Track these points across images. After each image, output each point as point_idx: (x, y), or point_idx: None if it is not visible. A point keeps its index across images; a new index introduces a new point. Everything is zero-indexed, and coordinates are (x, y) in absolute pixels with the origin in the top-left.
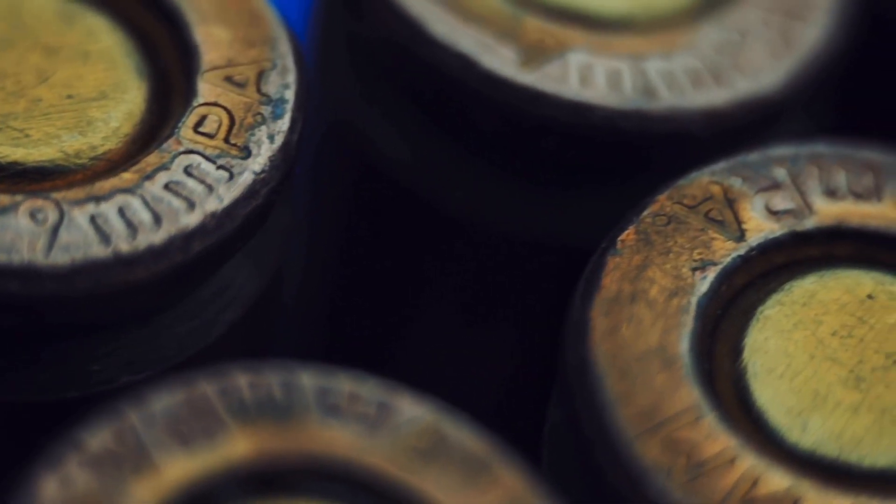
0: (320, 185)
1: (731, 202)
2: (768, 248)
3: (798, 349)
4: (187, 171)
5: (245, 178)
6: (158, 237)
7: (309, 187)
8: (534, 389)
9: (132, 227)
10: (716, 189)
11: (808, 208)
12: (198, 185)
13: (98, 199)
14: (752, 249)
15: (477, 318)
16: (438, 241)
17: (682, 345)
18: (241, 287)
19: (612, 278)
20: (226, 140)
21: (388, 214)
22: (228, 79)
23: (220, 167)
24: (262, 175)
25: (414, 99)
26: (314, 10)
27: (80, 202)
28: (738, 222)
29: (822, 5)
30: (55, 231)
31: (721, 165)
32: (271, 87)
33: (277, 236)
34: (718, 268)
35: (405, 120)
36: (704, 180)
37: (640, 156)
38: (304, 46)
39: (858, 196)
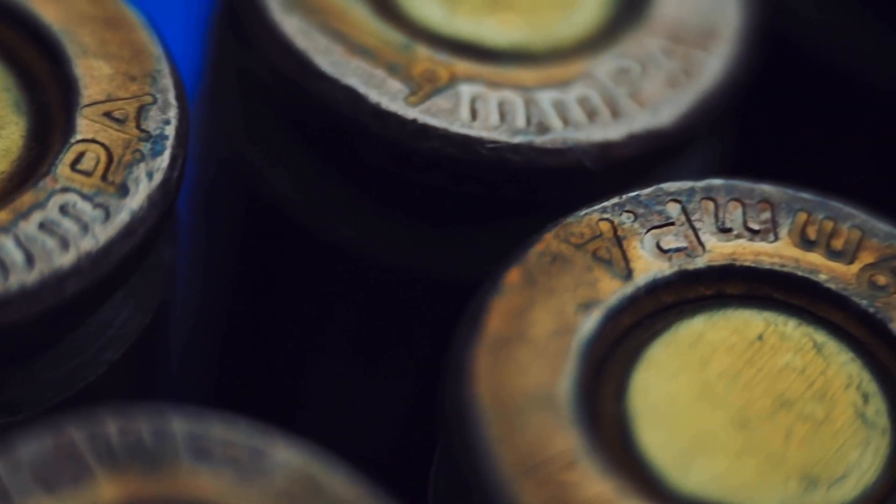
0: (213, 219)
1: (619, 240)
2: (657, 287)
3: (684, 391)
4: (63, 209)
5: (122, 218)
6: (31, 278)
7: (203, 222)
8: (428, 429)
9: (4, 268)
10: (605, 227)
11: (701, 246)
12: (73, 225)
13: None
14: (639, 289)
15: (369, 356)
16: (329, 277)
17: (565, 386)
18: (122, 326)
19: (495, 318)
20: (103, 178)
21: (279, 250)
22: (108, 114)
23: (96, 206)
24: (140, 214)
25: (303, 133)
26: (206, 44)
27: None
28: (626, 261)
29: (726, 34)
30: None
31: (612, 202)
32: (151, 124)
33: (161, 274)
34: (604, 308)
35: (294, 154)
36: (593, 218)
37: (531, 191)
38: (194, 80)
39: (754, 233)
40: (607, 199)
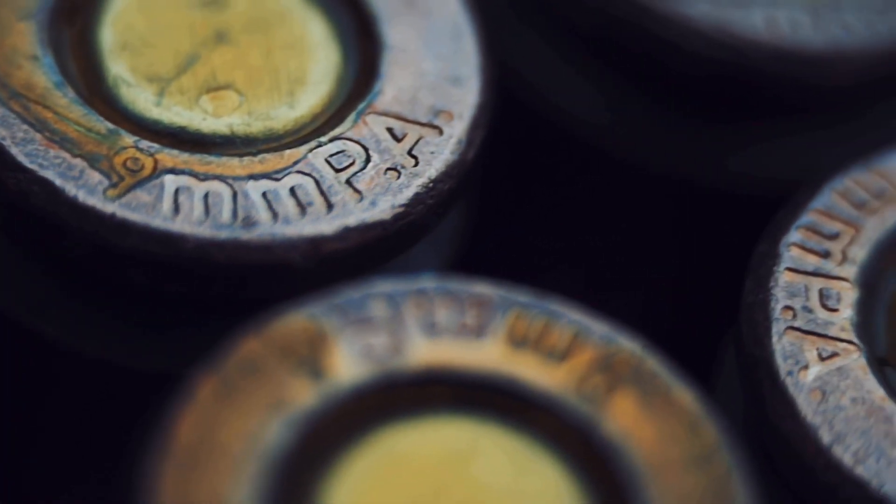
0: None
1: (320, 343)
2: (356, 393)
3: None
4: None
5: None
6: None
7: None
8: None
9: None
10: (306, 329)
11: (406, 349)
12: None
13: None
14: (337, 395)
15: (85, 453)
16: (39, 373)
17: (248, 499)
18: None
19: (183, 428)
20: None
21: None
22: None
23: None
24: None
25: (6, 226)
26: None
27: None
28: (326, 365)
29: (461, 112)
30: None
31: (316, 302)
32: None
33: None
34: (298, 415)
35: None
36: (295, 318)
37: (238, 288)
38: None
39: (463, 334)
40: (312, 298)
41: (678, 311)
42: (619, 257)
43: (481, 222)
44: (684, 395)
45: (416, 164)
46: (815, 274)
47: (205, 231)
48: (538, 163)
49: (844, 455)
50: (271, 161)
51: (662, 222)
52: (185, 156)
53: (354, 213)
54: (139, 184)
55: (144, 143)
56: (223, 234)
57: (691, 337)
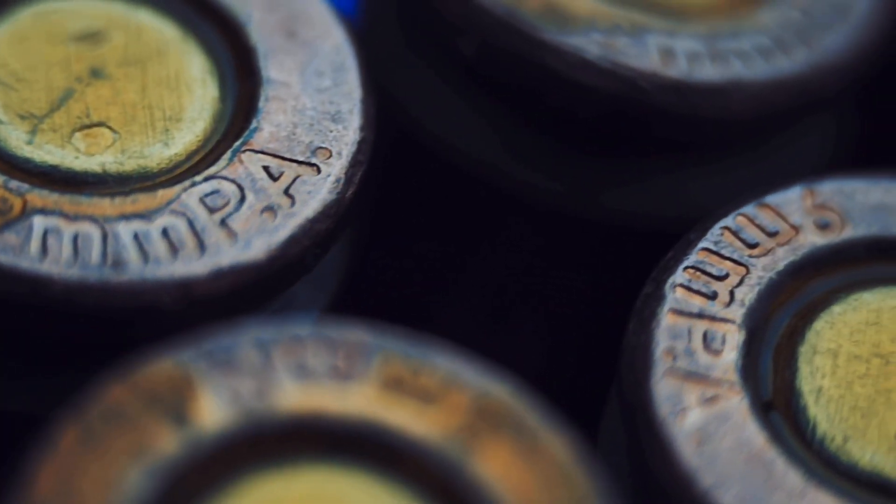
0: None
1: (186, 389)
2: (221, 440)
3: None
4: None
5: None
6: None
7: None
8: None
9: None
10: (171, 374)
11: (272, 395)
12: None
13: None
14: (202, 442)
15: None
16: None
17: None
18: None
19: (43, 473)
20: None
21: None
22: None
23: None
24: None
25: None
26: None
27: None
28: (192, 412)
29: (340, 149)
30: None
31: (183, 346)
32: None
33: None
34: (162, 465)
35: None
36: (161, 364)
37: (107, 332)
38: None
39: (330, 380)
40: (180, 341)
41: (574, 348)
42: (514, 291)
43: (370, 257)
44: (557, 441)
45: (293, 204)
46: (700, 316)
47: (73, 273)
48: (425, 195)
49: (723, 500)
50: (144, 201)
51: (561, 257)
52: (56, 196)
53: (228, 255)
54: (7, 225)
55: (14, 183)
56: (92, 277)
57: (586, 378)
